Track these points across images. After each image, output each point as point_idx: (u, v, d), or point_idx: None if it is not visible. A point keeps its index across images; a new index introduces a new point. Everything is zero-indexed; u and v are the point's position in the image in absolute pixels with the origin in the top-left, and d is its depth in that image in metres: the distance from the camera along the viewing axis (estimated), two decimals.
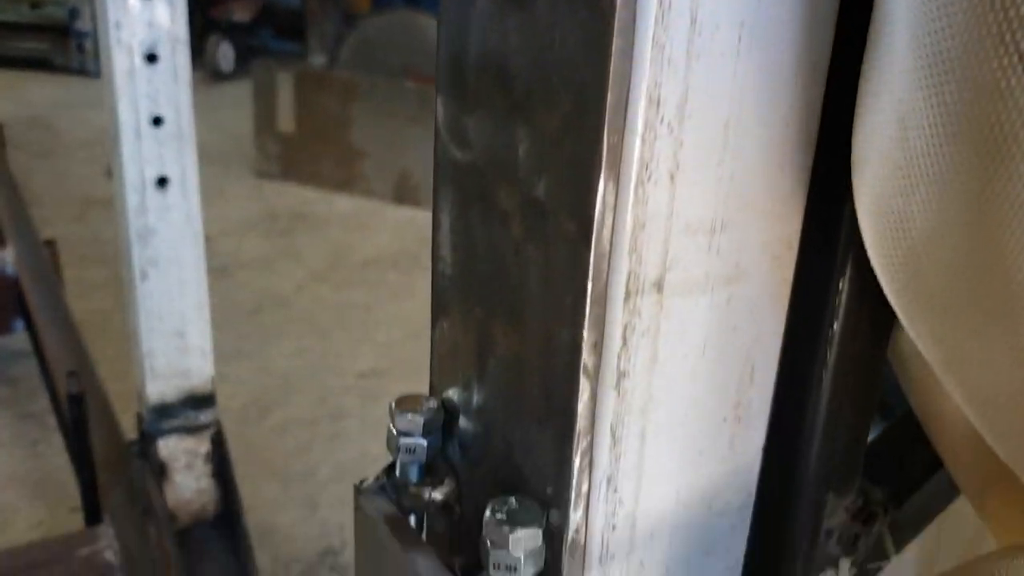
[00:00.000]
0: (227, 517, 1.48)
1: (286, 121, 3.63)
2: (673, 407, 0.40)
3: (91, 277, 2.93)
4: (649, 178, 0.35)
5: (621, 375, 0.38)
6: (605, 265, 0.34)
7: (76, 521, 1.82)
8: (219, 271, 3.08)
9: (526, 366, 0.38)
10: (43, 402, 2.30)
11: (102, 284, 2.88)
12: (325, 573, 2.00)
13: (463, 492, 0.45)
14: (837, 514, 0.47)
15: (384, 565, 0.43)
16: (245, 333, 2.83)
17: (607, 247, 0.34)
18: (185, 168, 1.22)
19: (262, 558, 1.96)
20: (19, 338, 2.44)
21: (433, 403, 0.44)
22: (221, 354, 2.63)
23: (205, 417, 1.42)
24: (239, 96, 4.03)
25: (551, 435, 0.38)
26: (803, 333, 0.42)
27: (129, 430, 1.70)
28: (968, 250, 0.32)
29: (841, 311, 0.42)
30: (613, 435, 0.39)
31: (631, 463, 0.40)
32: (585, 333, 0.35)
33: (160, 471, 1.41)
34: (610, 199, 0.34)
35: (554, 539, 0.39)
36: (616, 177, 0.34)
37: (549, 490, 0.39)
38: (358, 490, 0.45)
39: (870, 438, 0.51)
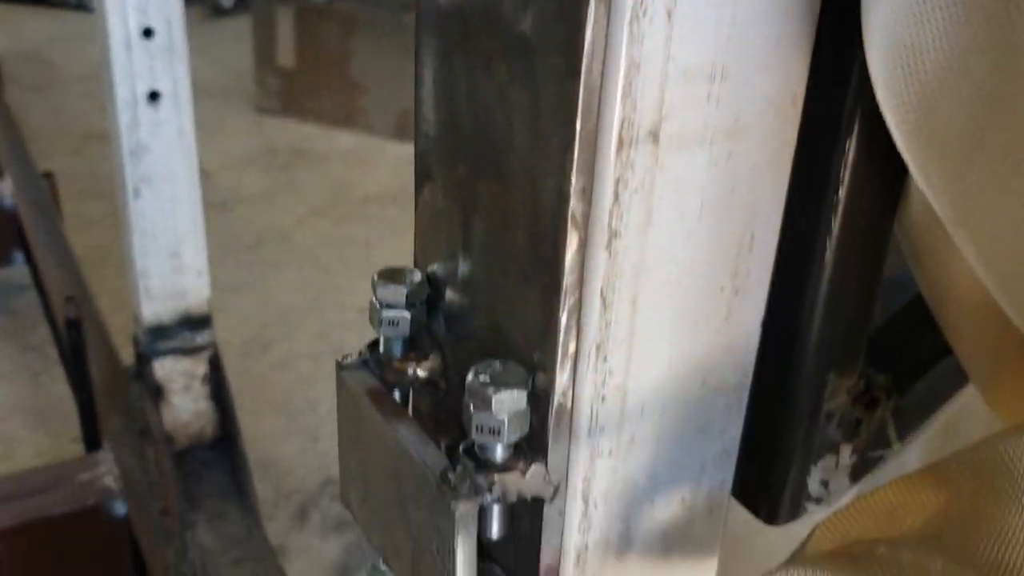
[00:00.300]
0: (225, 440, 1.47)
1: (286, 56, 3.58)
2: (667, 273, 0.38)
3: (90, 211, 2.91)
4: (644, 13, 0.32)
5: (612, 234, 0.36)
6: (595, 104, 0.32)
7: (78, 451, 1.82)
8: (219, 206, 3.05)
9: (512, 221, 0.36)
10: (44, 334, 2.29)
11: (101, 218, 2.85)
12: (326, 503, 2.01)
13: (448, 367, 0.43)
14: (838, 396, 0.45)
15: (367, 440, 0.42)
16: (246, 267, 2.82)
17: (597, 83, 0.32)
18: (177, 82, 1.19)
19: (264, 489, 1.97)
20: (19, 271, 2.43)
21: (417, 275, 0.42)
22: (222, 288, 2.61)
23: (202, 339, 1.40)
24: (239, 31, 3.96)
25: (538, 293, 0.36)
26: (806, 198, 0.40)
27: (130, 360, 1.69)
28: (987, 83, 0.30)
29: (847, 175, 0.39)
30: (603, 300, 0.37)
31: (622, 331, 0.38)
32: (573, 178, 0.33)
33: (157, 393, 1.40)
34: (600, 33, 0.32)
35: (540, 404, 0.37)
36: (607, 9, 0.32)
37: (535, 355, 0.37)
38: (340, 366, 0.43)
39: (874, 326, 0.49)
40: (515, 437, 0.36)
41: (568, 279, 0.34)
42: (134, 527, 1.41)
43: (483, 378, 0.35)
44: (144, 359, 1.40)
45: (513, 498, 0.37)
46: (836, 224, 0.40)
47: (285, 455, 2.11)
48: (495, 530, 0.38)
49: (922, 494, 0.41)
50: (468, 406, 0.36)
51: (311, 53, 3.53)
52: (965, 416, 0.57)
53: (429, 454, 0.38)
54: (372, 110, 3.48)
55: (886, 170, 0.40)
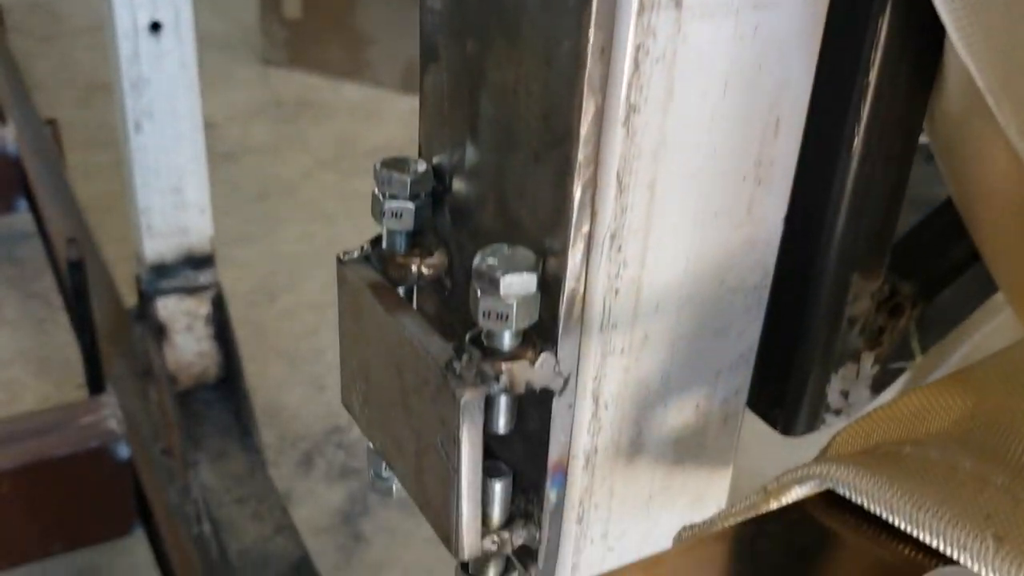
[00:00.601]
0: (228, 381, 1.46)
1: (292, 7, 3.53)
2: (688, 156, 0.36)
3: (96, 161, 2.89)
4: None
5: (631, 109, 0.33)
6: None
7: (82, 398, 1.82)
8: (225, 157, 3.02)
9: (524, 95, 0.34)
10: (48, 282, 2.28)
11: (107, 167, 2.83)
12: (331, 450, 2.00)
13: (454, 265, 0.41)
14: (862, 300, 0.43)
15: (369, 336, 0.40)
16: (252, 218, 2.80)
17: None
18: (179, 11, 1.17)
19: (269, 436, 1.96)
20: (23, 219, 2.41)
21: (422, 165, 0.40)
22: (228, 239, 2.59)
23: (205, 278, 1.38)
24: None
25: (550, 170, 0.34)
26: (834, 82, 0.38)
27: (133, 304, 1.68)
28: None
29: (879, 56, 0.37)
30: (619, 183, 0.35)
31: (638, 219, 0.36)
32: (591, 34, 0.30)
33: (160, 332, 1.38)
34: None
35: (550, 291, 0.35)
36: None
37: (546, 240, 0.35)
38: (341, 261, 0.41)
39: (901, 233, 0.47)
40: (524, 324, 0.34)
41: (583, 152, 0.32)
42: (137, 469, 1.40)
43: (491, 261, 0.34)
44: (146, 298, 1.39)
45: (521, 388, 0.35)
46: (865, 111, 0.38)
47: (291, 403, 2.10)
48: (502, 423, 0.36)
49: (948, 398, 0.39)
50: (475, 291, 0.34)
51: (317, 4, 3.49)
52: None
53: (433, 344, 0.36)
54: (379, 62, 3.44)
55: (919, 54, 0.38)
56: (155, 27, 1.16)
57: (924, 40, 0.37)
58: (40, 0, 4.06)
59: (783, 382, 0.44)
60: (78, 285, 1.49)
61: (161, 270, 1.36)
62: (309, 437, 2.02)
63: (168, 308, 1.38)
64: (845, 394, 0.45)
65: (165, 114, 1.21)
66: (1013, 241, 0.42)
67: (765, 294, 0.41)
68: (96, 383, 1.56)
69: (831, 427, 0.46)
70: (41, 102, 2.84)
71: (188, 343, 1.41)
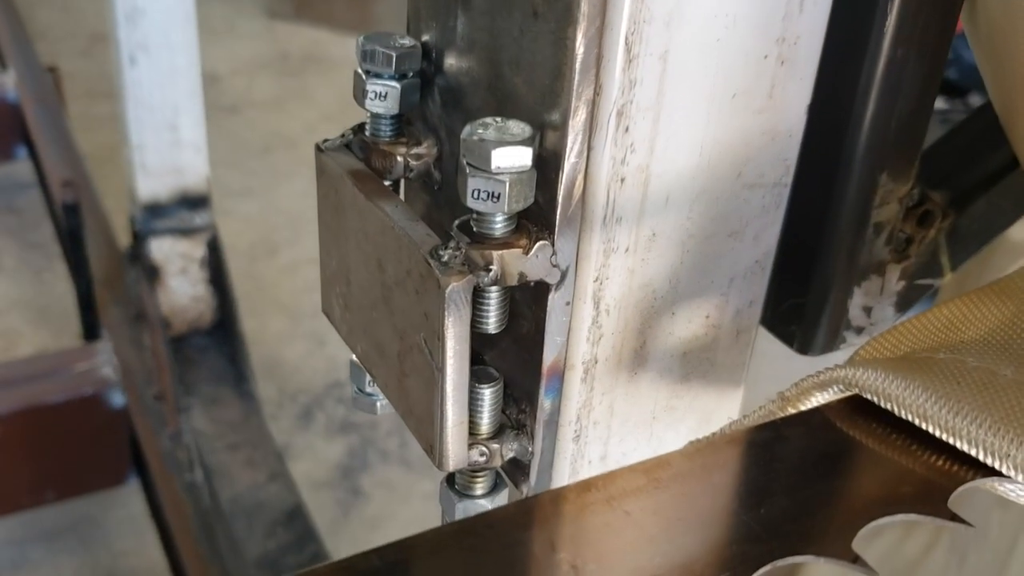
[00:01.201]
0: (223, 326, 1.43)
1: None
2: (705, 24, 0.32)
3: (97, 111, 2.85)
4: None
5: None
6: None
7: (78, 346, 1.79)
8: (229, 110, 2.99)
9: None
10: (47, 232, 2.25)
11: (108, 118, 2.79)
12: (331, 405, 1.98)
13: (444, 156, 0.38)
14: (889, 204, 0.39)
15: (349, 229, 0.36)
16: (254, 172, 2.76)
17: None
18: None
19: (269, 389, 1.94)
20: (23, 169, 2.38)
21: (408, 40, 0.36)
22: (230, 192, 2.56)
23: (200, 219, 1.35)
24: None
25: (550, 27, 0.30)
26: None
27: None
28: None
29: None
30: (628, 50, 0.31)
31: (648, 96, 0.32)
32: None
33: (153, 274, 1.35)
34: None
35: (548, 171, 0.31)
36: None
37: (544, 111, 0.31)
38: (319, 148, 0.38)
39: (933, 142, 0.43)
40: (518, 206, 0.31)
41: (586, 4, 0.28)
42: (132, 416, 1.38)
43: (481, 133, 0.30)
44: (140, 238, 1.35)
45: (514, 280, 0.31)
46: None
47: (291, 357, 2.08)
48: (492, 321, 0.33)
49: (985, 307, 0.36)
50: (464, 168, 0.30)
51: None
52: None
53: (418, 232, 0.32)
54: (385, 15, 3.39)
55: None
56: None
57: None
58: None
59: (801, 294, 0.41)
60: (74, 229, 1.46)
61: (155, 210, 1.33)
62: (309, 391, 1.99)
63: (163, 250, 1.35)
64: (868, 310, 0.42)
65: (160, 47, 1.17)
66: None
67: (785, 192, 0.38)
68: (91, 330, 1.53)
69: (851, 348, 0.43)
70: (44, 52, 2.80)
71: (183, 286, 1.37)
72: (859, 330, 0.42)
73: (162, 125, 1.24)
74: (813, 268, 0.40)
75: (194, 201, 1.34)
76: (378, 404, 0.42)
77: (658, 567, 0.23)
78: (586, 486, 0.26)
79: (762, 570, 0.23)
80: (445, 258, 0.31)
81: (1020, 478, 0.27)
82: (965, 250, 0.43)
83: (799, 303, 0.41)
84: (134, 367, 1.43)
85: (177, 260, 1.35)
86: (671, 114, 0.33)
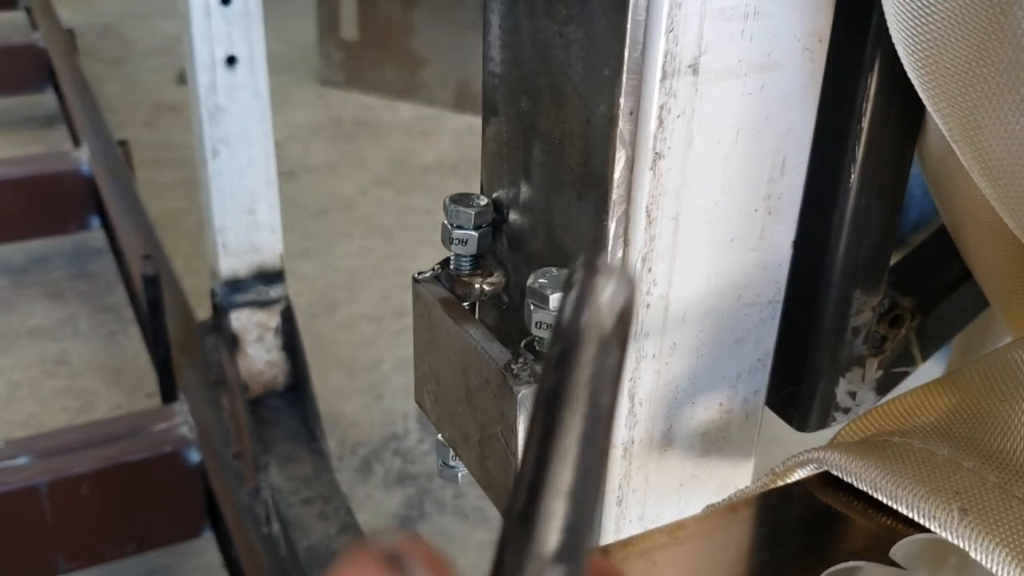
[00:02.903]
0: (296, 388, 1.54)
1: (349, 28, 3.65)
2: (706, 192, 0.43)
3: (163, 179, 3.01)
4: None
5: (657, 156, 0.41)
6: (641, 37, 0.37)
7: (153, 405, 1.92)
8: (287, 175, 3.13)
9: (568, 146, 0.41)
10: (120, 295, 2.39)
11: (175, 185, 2.96)
12: (389, 457, 2.08)
13: (511, 284, 0.49)
14: (864, 312, 0.49)
15: (439, 343, 0.47)
16: (312, 234, 2.90)
17: (643, 18, 0.37)
18: (253, 46, 1.26)
19: (330, 442, 2.05)
20: (96, 236, 2.53)
21: (483, 200, 0.48)
22: (289, 253, 2.69)
23: (275, 292, 1.48)
24: (304, 6, 4.04)
25: (590, 207, 0.41)
26: (833, 128, 0.45)
27: (203, 318, 1.78)
28: (985, 31, 0.34)
29: (869, 106, 0.44)
30: (648, 216, 0.42)
31: (665, 245, 0.43)
32: (622, 101, 0.38)
33: (233, 343, 1.48)
34: None
35: None
36: None
37: None
38: (415, 280, 0.49)
39: (900, 257, 0.53)
40: None
41: (616, 193, 0.39)
42: (208, 473, 1.48)
43: (541, 281, 0.41)
44: (221, 311, 1.48)
45: None
46: (860, 151, 0.45)
47: (350, 411, 2.19)
48: None
49: (937, 397, 0.46)
50: (529, 306, 0.41)
51: (374, 25, 3.60)
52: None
53: (494, 349, 0.43)
54: (433, 82, 3.54)
55: (905, 104, 0.44)
56: (231, 61, 1.25)
57: (910, 90, 0.44)
58: (109, 24, 4.23)
59: (796, 384, 0.51)
60: (154, 299, 1.59)
61: (235, 285, 1.46)
62: (368, 444, 2.10)
63: (241, 320, 1.48)
64: (852, 395, 0.52)
65: (239, 141, 1.30)
66: (997, 262, 0.48)
67: (778, 307, 0.48)
68: (169, 392, 1.65)
69: (841, 424, 0.53)
70: (112, 122, 2.98)
71: (259, 353, 1.50)
72: (846, 410, 0.52)
73: (241, 210, 1.37)
74: (804, 364, 0.50)
75: (270, 276, 1.47)
76: (459, 475, 0.53)
77: None
78: (624, 543, 0.36)
79: None
80: (516, 371, 0.42)
81: (943, 535, 0.37)
82: (933, 343, 0.53)
83: (795, 391, 0.51)
84: (209, 426, 1.55)
85: (254, 330, 1.47)
86: (684, 257, 0.44)
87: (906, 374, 0.53)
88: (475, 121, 3.45)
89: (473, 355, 0.44)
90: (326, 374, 2.29)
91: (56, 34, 3.16)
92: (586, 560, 0.19)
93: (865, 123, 0.44)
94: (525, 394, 0.41)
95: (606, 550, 0.38)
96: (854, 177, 0.45)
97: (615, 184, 0.39)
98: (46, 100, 3.16)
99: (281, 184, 2.59)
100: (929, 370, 0.55)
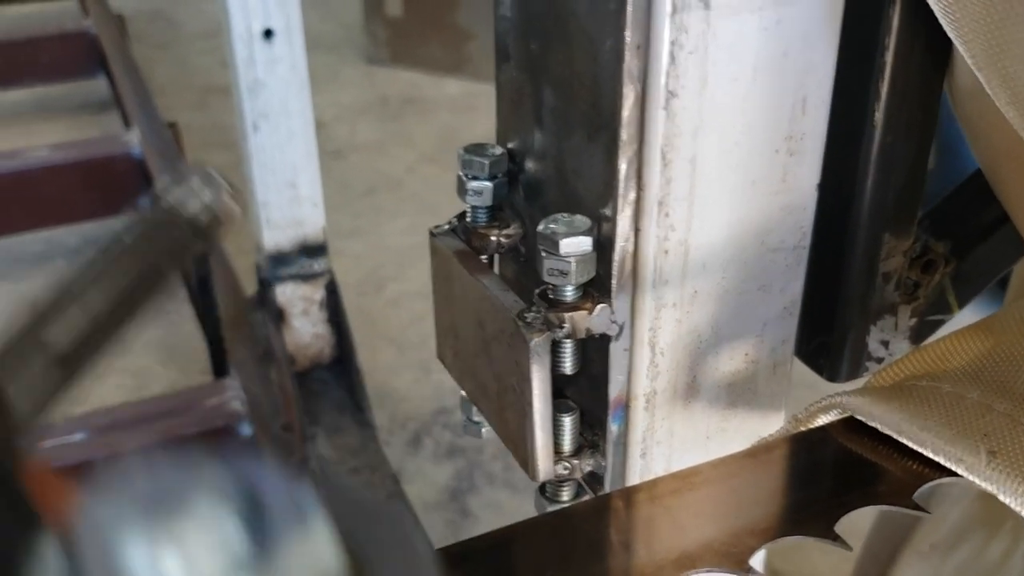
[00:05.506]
0: (342, 361, 1.55)
1: (394, 6, 3.65)
2: (724, 133, 0.42)
3: (213, 160, 3.04)
4: None
5: (670, 95, 0.39)
6: None
7: (206, 382, 1.94)
8: (334, 155, 3.15)
9: (578, 87, 0.40)
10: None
11: (225, 167, 2.97)
12: (439, 431, 2.09)
13: (528, 235, 0.48)
14: (894, 258, 0.48)
15: (456, 296, 0.47)
16: (360, 213, 2.91)
17: None
18: (289, 19, 1.26)
19: (379, 417, 2.06)
20: None
21: (498, 149, 0.47)
22: (338, 233, 2.71)
23: (319, 265, 1.48)
24: None
25: (601, 149, 0.40)
26: (855, 64, 0.43)
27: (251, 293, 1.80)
28: None
29: (892, 40, 0.42)
30: (663, 158, 0.41)
31: (682, 189, 0.42)
32: (628, 35, 0.36)
33: (278, 316, 1.49)
34: None
35: (604, 252, 0.41)
36: None
37: (599, 208, 0.41)
38: (432, 233, 0.48)
39: (936, 202, 0.52)
40: (582, 279, 0.41)
41: (626, 132, 0.38)
42: (259, 446, 1.50)
43: (552, 227, 0.40)
44: (266, 285, 1.49)
45: (582, 334, 0.41)
46: (884, 88, 0.43)
47: (399, 386, 2.20)
48: (568, 365, 0.43)
49: (969, 342, 0.44)
50: (540, 253, 0.40)
51: (418, 3, 3.59)
52: None
53: (508, 299, 0.43)
54: (479, 57, 3.52)
55: (930, 38, 0.43)
56: (268, 34, 1.25)
57: (935, 23, 0.42)
58: (158, 9, 4.28)
59: (826, 334, 0.49)
60: (203, 277, 1.61)
61: (279, 259, 1.46)
62: (417, 418, 2.11)
63: (286, 294, 1.49)
64: (885, 344, 0.50)
65: (279, 114, 1.30)
66: None
67: (804, 253, 0.47)
68: (220, 368, 1.67)
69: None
70: (161, 105, 3.01)
71: (304, 326, 1.51)
72: (879, 360, 0.50)
73: (283, 184, 1.38)
74: (833, 313, 0.48)
75: (313, 249, 1.48)
76: (483, 430, 0.52)
77: (687, 546, 0.33)
78: (636, 489, 0.36)
79: (764, 547, 0.33)
80: (529, 319, 0.41)
81: (970, 477, 0.36)
82: (970, 290, 0.51)
83: (825, 340, 0.49)
84: (260, 401, 1.56)
85: (299, 303, 1.48)
86: (702, 201, 0.43)
87: (942, 322, 0.51)
88: None
89: (488, 306, 0.44)
90: (376, 351, 2.31)
91: (106, 20, 3.20)
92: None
93: (889, 57, 0.42)
94: (538, 342, 0.40)
95: (616, 496, 0.37)
96: (879, 115, 0.44)
97: (624, 123, 0.38)
98: (98, 86, 3.21)
99: (329, 164, 2.61)
100: (967, 319, 0.53)
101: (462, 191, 0.47)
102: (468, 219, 0.48)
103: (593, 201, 0.41)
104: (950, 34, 0.37)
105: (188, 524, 0.18)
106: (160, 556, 0.17)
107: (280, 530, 0.18)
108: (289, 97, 1.29)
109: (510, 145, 0.47)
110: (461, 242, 0.47)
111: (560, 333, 0.41)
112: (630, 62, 0.37)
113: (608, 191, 0.40)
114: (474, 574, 0.32)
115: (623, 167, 0.39)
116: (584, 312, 0.41)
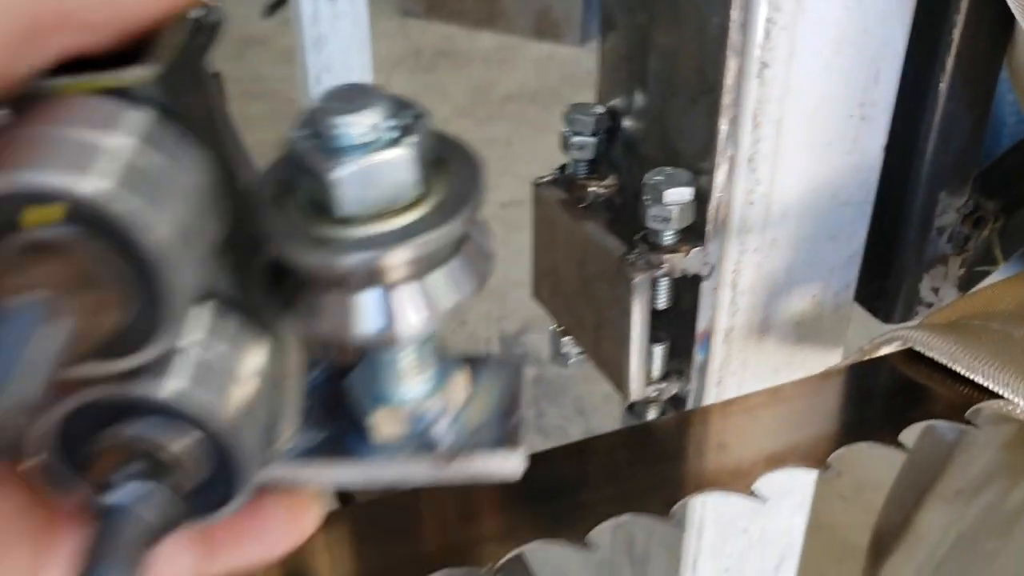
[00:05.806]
0: None
1: None
2: (807, 99, 0.47)
3: (253, 111, 3.09)
4: None
5: (763, 65, 0.45)
6: None
7: None
8: None
9: (683, 55, 0.46)
10: None
11: (264, 117, 3.03)
12: None
13: (623, 187, 0.54)
14: (948, 214, 0.54)
15: (558, 240, 0.53)
16: None
17: None
18: None
19: None
20: None
21: (600, 108, 0.53)
22: None
23: None
24: None
25: (703, 111, 0.46)
26: (925, 39, 0.48)
27: None
28: None
29: (961, 18, 0.48)
30: (754, 120, 0.47)
31: (769, 147, 0.48)
32: (734, 13, 0.42)
33: None
34: None
35: (701, 203, 0.47)
36: None
37: (699, 163, 0.47)
38: (536, 184, 0.54)
39: (987, 163, 0.57)
40: (682, 225, 0.47)
41: (728, 97, 0.44)
42: None
43: (657, 179, 0.46)
44: None
45: (678, 274, 0.48)
46: (950, 61, 0.49)
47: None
48: (663, 301, 0.49)
49: (1017, 288, 0.50)
50: (644, 201, 0.46)
51: None
52: None
53: (611, 241, 0.49)
54: (512, 10, 3.55)
55: (995, 17, 0.48)
56: None
57: (1001, 7, 0.47)
58: None
59: (883, 279, 0.55)
60: None
61: None
62: None
63: None
64: (936, 290, 0.56)
65: (341, 67, 1.36)
66: None
67: (869, 208, 0.53)
68: None
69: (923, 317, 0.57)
70: None
71: None
72: (929, 305, 0.56)
73: None
74: (891, 261, 0.54)
75: None
76: (569, 361, 0.59)
77: (772, 445, 0.39)
78: (727, 403, 0.42)
79: (836, 453, 0.39)
80: (632, 260, 0.47)
81: (1016, 399, 0.42)
82: (1014, 244, 0.57)
83: (882, 285, 0.56)
84: None
85: None
86: (785, 159, 0.49)
87: (987, 273, 0.57)
88: (555, 49, 3.46)
89: (591, 248, 0.50)
90: None
91: None
92: None
93: (956, 34, 0.48)
94: (640, 280, 0.47)
95: (712, 407, 0.43)
96: (943, 86, 0.49)
97: (726, 90, 0.44)
98: None
99: None
100: (1010, 271, 0.59)
101: (566, 146, 0.53)
102: (569, 170, 0.54)
103: (693, 156, 0.47)
104: (1014, 9, 0.42)
105: None
106: None
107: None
108: (351, 51, 1.35)
109: (610, 103, 0.53)
110: (563, 191, 0.53)
111: (658, 272, 0.47)
112: (734, 36, 0.43)
113: (708, 148, 0.46)
114: (599, 464, 0.39)
115: (724, 128, 0.45)
116: (681, 254, 0.47)
